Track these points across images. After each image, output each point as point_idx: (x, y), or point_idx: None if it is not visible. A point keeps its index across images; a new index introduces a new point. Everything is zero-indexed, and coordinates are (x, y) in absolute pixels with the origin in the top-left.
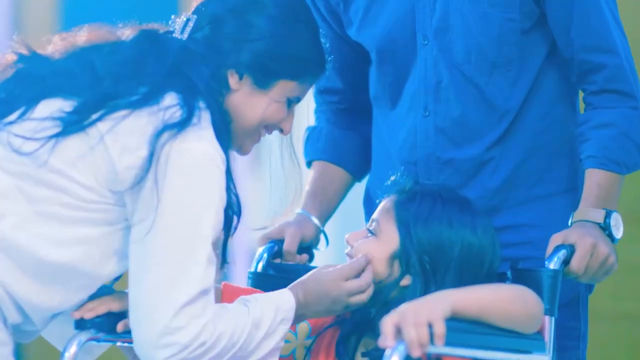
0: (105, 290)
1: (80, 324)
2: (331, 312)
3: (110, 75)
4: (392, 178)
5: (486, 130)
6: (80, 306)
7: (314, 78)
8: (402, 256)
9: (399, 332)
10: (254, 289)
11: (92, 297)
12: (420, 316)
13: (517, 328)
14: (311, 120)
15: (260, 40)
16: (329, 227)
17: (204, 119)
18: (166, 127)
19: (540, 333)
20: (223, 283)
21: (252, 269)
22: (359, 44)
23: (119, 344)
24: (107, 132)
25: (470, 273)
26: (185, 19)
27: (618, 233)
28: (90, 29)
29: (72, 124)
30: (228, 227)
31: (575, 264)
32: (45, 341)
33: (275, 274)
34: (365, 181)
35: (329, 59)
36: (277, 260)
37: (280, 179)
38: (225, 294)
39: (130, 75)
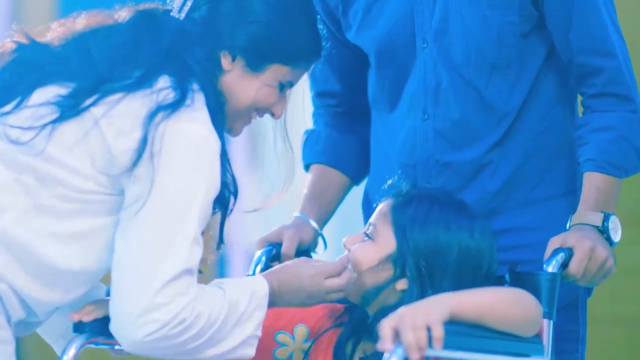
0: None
1: (79, 327)
2: (305, 305)
3: (105, 59)
4: (389, 181)
5: (485, 133)
6: (79, 309)
7: (308, 64)
8: (398, 260)
9: (397, 336)
10: None
11: (92, 301)
12: (418, 319)
13: (515, 331)
14: (307, 118)
15: (256, 23)
16: (327, 231)
17: (198, 100)
18: (159, 108)
19: (538, 336)
20: None
21: (250, 272)
22: (357, 47)
23: (117, 347)
24: (102, 117)
25: (468, 276)
26: None
27: (616, 236)
28: (89, 15)
29: (69, 108)
30: (225, 207)
31: (574, 267)
32: (45, 341)
33: None
34: (364, 184)
35: (325, 45)
36: (275, 264)
37: (273, 162)
38: None
39: (125, 58)
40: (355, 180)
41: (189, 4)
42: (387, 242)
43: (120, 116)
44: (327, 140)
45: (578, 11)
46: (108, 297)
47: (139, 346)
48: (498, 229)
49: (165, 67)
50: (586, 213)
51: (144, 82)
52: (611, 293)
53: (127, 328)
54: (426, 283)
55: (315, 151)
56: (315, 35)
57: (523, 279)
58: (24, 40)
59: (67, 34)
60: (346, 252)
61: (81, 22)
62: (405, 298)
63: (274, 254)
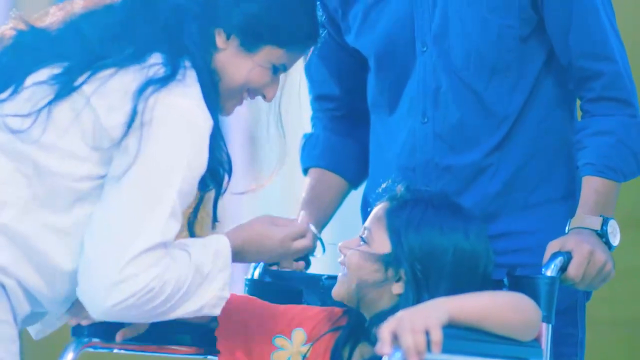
0: None
1: (77, 331)
2: (269, 261)
3: (99, 38)
4: (384, 185)
5: (485, 136)
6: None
7: (302, 49)
8: (393, 263)
9: (396, 339)
10: (250, 297)
11: None
12: (417, 323)
13: (514, 335)
14: (305, 123)
15: (253, 3)
16: (325, 234)
17: (190, 77)
18: (149, 82)
19: (537, 340)
20: None
21: (249, 276)
22: (356, 50)
23: (115, 351)
24: (93, 93)
25: (464, 278)
26: None
27: (615, 240)
28: None
29: (64, 85)
30: (219, 186)
31: (573, 271)
32: (45, 341)
33: (272, 281)
34: (362, 188)
35: (323, 32)
36: (274, 267)
37: (264, 146)
38: None
39: (119, 36)
40: (354, 184)
41: None
42: (382, 246)
43: (111, 92)
44: (325, 144)
45: (577, 15)
46: None
47: (107, 314)
48: (497, 233)
49: (159, 44)
50: (585, 217)
51: (136, 58)
52: (610, 295)
53: (96, 296)
54: (422, 286)
55: (314, 155)
56: (313, 20)
57: (522, 283)
58: (22, 27)
59: (65, 18)
60: (341, 257)
61: (79, 4)
62: (402, 302)
63: None
